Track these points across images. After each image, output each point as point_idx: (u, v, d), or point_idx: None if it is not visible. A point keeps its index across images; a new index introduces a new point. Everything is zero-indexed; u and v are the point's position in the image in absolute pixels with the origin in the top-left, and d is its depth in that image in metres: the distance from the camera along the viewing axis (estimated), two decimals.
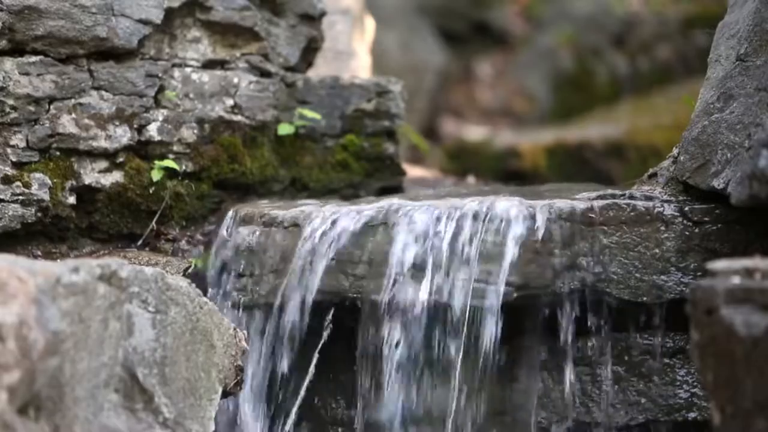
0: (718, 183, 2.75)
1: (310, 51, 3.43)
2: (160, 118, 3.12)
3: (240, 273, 2.93)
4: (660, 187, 2.90)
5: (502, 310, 2.73)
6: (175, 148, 3.15)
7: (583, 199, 2.83)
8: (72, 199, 3.02)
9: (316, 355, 2.85)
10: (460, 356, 2.74)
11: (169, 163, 3.11)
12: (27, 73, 2.96)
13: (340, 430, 2.88)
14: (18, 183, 2.93)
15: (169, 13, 3.14)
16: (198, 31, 3.22)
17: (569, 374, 2.79)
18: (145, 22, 3.08)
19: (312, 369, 2.85)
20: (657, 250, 2.77)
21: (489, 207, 2.80)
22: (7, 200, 2.91)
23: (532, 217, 2.78)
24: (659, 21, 7.41)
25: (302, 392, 2.86)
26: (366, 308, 2.81)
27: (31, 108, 2.96)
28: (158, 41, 3.15)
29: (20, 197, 2.92)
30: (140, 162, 3.11)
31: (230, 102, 3.23)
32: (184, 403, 2.40)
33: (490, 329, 2.73)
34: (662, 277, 2.76)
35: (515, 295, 2.75)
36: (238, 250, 2.95)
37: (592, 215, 2.78)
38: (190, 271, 2.98)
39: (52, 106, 2.99)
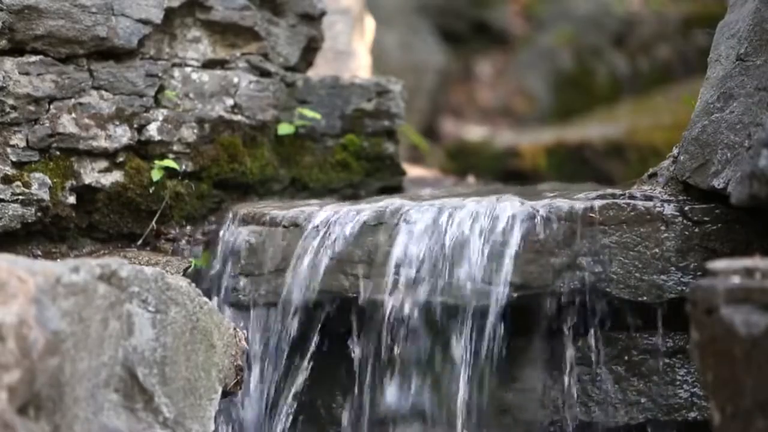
0: (718, 183, 2.75)
1: (310, 51, 3.43)
2: (160, 118, 3.12)
3: (240, 273, 2.93)
4: (660, 187, 2.90)
5: (502, 310, 2.73)
6: (175, 147, 3.15)
7: (583, 199, 2.83)
8: (72, 199, 3.02)
9: (316, 355, 2.85)
10: (459, 356, 2.74)
11: (169, 162, 3.11)
12: (27, 73, 2.96)
13: (339, 430, 2.88)
14: (18, 183, 2.93)
15: (169, 13, 3.14)
16: (198, 31, 3.22)
17: (569, 374, 2.79)
18: (145, 22, 3.08)
19: (312, 369, 2.86)
20: (657, 250, 2.77)
21: (489, 207, 2.80)
22: (7, 200, 2.91)
23: (532, 217, 2.78)
24: (659, 21, 7.41)
25: (302, 392, 2.86)
26: (366, 308, 2.81)
27: (31, 108, 2.96)
28: (158, 41, 3.15)
29: (20, 197, 2.92)
30: (140, 162, 3.11)
31: (230, 102, 3.23)
32: (184, 403, 2.41)
33: (491, 329, 2.74)
34: (662, 276, 2.76)
35: (515, 295, 2.75)
36: (238, 250, 2.95)
37: (592, 215, 2.78)
38: (190, 271, 2.98)
39: (52, 106, 2.99)
